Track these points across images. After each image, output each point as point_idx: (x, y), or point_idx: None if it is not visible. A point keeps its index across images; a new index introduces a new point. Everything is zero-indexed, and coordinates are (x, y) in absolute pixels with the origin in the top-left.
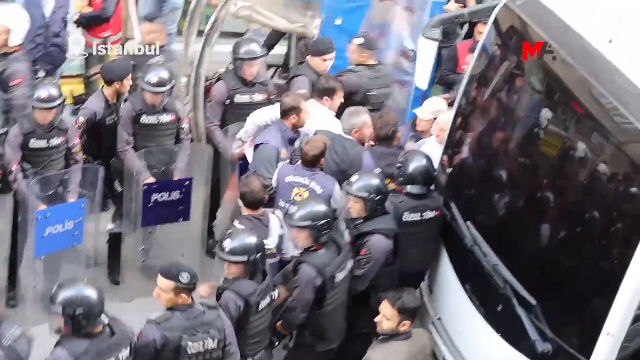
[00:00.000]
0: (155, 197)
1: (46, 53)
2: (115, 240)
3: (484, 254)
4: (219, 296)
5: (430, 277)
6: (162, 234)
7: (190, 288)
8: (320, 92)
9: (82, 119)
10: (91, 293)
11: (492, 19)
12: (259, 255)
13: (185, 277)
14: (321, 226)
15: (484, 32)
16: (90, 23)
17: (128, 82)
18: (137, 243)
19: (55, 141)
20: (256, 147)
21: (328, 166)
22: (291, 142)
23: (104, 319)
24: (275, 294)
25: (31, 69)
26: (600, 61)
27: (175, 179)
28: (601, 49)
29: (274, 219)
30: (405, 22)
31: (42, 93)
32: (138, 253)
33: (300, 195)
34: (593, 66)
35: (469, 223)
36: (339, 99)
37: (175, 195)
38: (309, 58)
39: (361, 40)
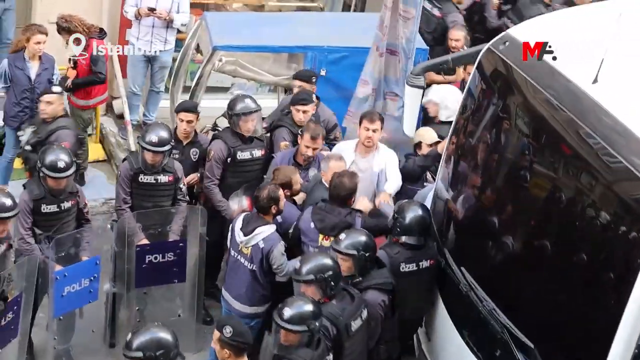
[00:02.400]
0: (149, 258)
1: (32, 116)
2: (111, 301)
3: (479, 299)
4: None
5: (426, 324)
6: (158, 295)
7: (233, 345)
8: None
9: None
10: (166, 334)
11: (476, 63)
12: (318, 323)
13: (227, 331)
14: (327, 278)
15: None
16: (83, 87)
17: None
18: (132, 303)
19: (66, 204)
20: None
21: None
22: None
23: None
24: (330, 357)
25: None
26: (586, 101)
27: (170, 240)
28: (586, 89)
29: (269, 228)
30: (393, 66)
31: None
32: (133, 313)
33: None
34: (579, 106)
35: (462, 269)
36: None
37: (169, 256)
38: (291, 107)
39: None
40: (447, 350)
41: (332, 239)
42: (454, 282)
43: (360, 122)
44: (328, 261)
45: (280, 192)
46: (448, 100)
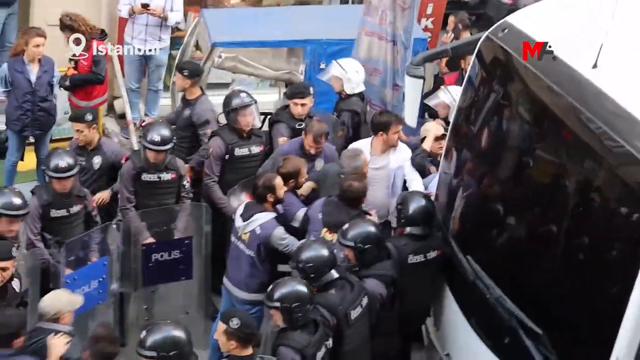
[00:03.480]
0: (155, 256)
1: (34, 118)
2: (119, 300)
3: (486, 286)
4: (274, 351)
5: (435, 314)
6: (166, 292)
7: (240, 336)
8: (374, 127)
9: None
10: (180, 333)
11: (475, 52)
12: (297, 303)
13: (234, 322)
14: (321, 268)
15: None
16: (81, 85)
17: None
18: (140, 302)
19: (75, 208)
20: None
21: None
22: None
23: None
24: (330, 342)
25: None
26: (587, 86)
27: (175, 238)
28: (586, 74)
29: (267, 215)
30: (394, 56)
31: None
32: (141, 312)
33: None
34: (579, 92)
35: (468, 257)
36: (394, 133)
37: (176, 254)
38: (289, 101)
39: None
40: (456, 339)
41: (334, 234)
42: (461, 270)
43: (388, 127)
44: (325, 252)
45: (278, 180)
46: (349, 73)
